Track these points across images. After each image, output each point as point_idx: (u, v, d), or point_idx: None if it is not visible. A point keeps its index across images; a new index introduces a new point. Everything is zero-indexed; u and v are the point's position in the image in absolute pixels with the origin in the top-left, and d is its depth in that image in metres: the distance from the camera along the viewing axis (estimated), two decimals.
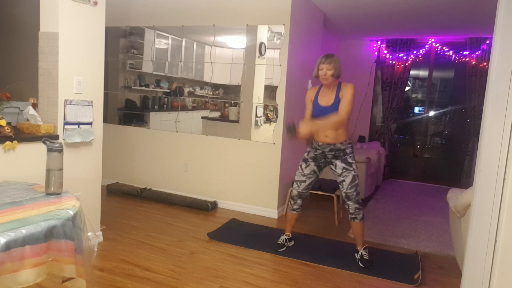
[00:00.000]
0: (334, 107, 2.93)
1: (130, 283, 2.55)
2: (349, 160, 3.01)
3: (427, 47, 6.10)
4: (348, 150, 3.02)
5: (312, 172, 3.14)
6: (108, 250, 3.04)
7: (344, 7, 4.60)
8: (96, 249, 2.98)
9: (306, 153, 3.18)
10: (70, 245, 1.56)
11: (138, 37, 4.78)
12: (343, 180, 3.01)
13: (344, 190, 3.03)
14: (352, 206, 3.03)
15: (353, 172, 3.00)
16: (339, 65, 2.94)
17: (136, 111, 4.86)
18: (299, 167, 3.20)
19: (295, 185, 3.22)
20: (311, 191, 4.07)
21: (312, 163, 3.13)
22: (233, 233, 3.59)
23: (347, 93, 2.91)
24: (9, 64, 4.71)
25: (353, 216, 3.05)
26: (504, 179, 1.96)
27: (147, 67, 4.74)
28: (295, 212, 3.28)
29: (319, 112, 3.00)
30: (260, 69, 4.14)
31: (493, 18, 2.03)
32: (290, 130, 2.87)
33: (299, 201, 3.24)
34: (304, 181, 3.17)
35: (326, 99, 2.99)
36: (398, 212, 4.62)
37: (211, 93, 4.44)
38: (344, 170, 3.00)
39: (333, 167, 3.06)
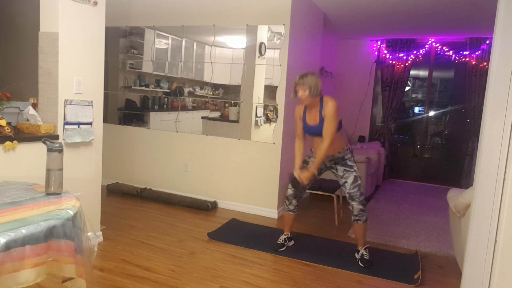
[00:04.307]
0: (321, 125, 2.91)
1: (130, 283, 2.55)
2: (349, 163, 3.03)
3: (427, 47, 6.10)
4: (347, 156, 3.04)
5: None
6: (108, 250, 3.04)
7: (344, 7, 4.60)
8: (96, 249, 2.98)
9: (307, 156, 3.19)
10: (70, 245, 1.56)
11: (138, 37, 4.78)
12: (345, 182, 3.01)
13: (347, 191, 3.01)
14: (356, 207, 2.98)
15: (354, 173, 3.00)
16: (315, 82, 2.82)
17: (136, 111, 4.86)
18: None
19: (291, 184, 3.22)
20: (311, 191, 4.08)
21: None
22: (233, 233, 3.59)
23: (328, 113, 2.85)
24: (9, 64, 4.71)
25: (357, 218, 3.02)
26: (504, 179, 1.96)
27: (147, 67, 4.74)
28: (291, 213, 3.27)
29: (309, 130, 3.03)
30: (260, 69, 4.14)
31: (493, 18, 2.03)
32: (294, 182, 3.02)
33: (294, 201, 3.22)
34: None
35: (312, 117, 2.97)
36: (398, 212, 4.62)
37: (211, 93, 4.44)
38: (345, 172, 3.01)
39: (334, 171, 3.09)
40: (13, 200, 1.73)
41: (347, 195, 3.03)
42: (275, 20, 4.00)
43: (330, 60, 6.24)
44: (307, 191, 3.45)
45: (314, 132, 2.99)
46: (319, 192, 4.09)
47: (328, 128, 2.85)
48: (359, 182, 3.00)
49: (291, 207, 3.24)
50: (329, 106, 2.85)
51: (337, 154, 3.00)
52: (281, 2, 3.95)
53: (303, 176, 2.98)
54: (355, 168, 3.02)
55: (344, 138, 3.05)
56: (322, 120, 2.90)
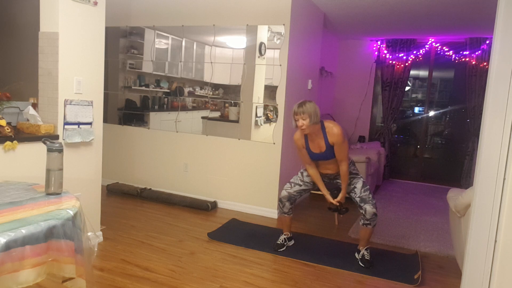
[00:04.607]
0: (328, 151, 2.92)
1: (130, 283, 2.56)
2: (354, 171, 3.07)
3: (427, 47, 6.10)
4: (351, 168, 3.05)
5: (311, 183, 3.14)
6: (108, 250, 3.04)
7: (344, 7, 4.60)
8: (96, 249, 2.96)
9: (306, 185, 3.20)
10: (70, 245, 1.56)
11: (138, 37, 4.78)
12: (354, 187, 3.01)
13: (358, 195, 2.98)
14: (370, 210, 2.91)
15: (361, 179, 3.04)
16: (314, 109, 2.79)
17: (136, 111, 4.86)
18: (300, 173, 3.19)
19: (287, 185, 3.19)
20: (311, 192, 4.07)
21: None
22: (233, 233, 3.59)
23: (337, 140, 2.86)
24: (9, 64, 4.71)
25: (368, 222, 2.96)
26: (504, 179, 1.96)
27: (147, 67, 4.74)
28: (286, 215, 3.25)
29: (315, 158, 3.02)
30: (260, 69, 4.14)
31: (493, 18, 2.03)
32: (336, 208, 3.11)
33: (287, 204, 3.19)
34: (300, 185, 3.16)
35: (316, 146, 2.95)
36: (398, 212, 4.62)
37: (211, 93, 4.44)
38: (351, 179, 3.03)
39: (339, 181, 3.08)
40: (13, 200, 1.73)
41: (358, 199, 2.98)
42: (275, 20, 4.00)
43: (330, 60, 6.24)
44: (311, 191, 3.49)
45: (320, 158, 3.00)
46: (319, 192, 4.07)
47: (342, 152, 2.89)
48: (368, 186, 3.02)
49: (285, 210, 3.22)
50: (336, 133, 2.86)
51: None
52: (281, 2, 3.95)
53: (340, 199, 3.06)
54: (360, 175, 3.07)
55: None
56: (328, 146, 2.90)
